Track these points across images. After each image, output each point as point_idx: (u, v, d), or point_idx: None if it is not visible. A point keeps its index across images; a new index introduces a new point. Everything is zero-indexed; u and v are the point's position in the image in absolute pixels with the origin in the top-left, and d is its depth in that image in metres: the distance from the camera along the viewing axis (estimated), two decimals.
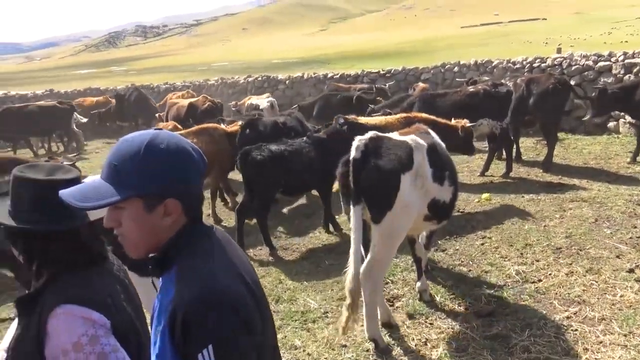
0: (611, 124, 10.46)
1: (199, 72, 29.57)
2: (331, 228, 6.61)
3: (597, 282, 4.66)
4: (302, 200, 8.00)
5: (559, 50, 13.40)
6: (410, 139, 4.11)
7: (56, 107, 13.75)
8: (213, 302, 1.21)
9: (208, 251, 1.33)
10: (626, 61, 10.35)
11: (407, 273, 5.20)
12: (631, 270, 4.78)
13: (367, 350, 4.00)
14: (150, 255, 1.37)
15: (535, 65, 12.01)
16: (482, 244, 5.75)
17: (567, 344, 3.81)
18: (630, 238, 5.47)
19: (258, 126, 7.48)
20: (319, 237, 6.53)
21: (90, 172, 8.53)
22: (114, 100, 16.00)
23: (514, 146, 9.00)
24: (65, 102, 14.59)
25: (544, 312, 4.27)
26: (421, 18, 74.01)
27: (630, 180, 7.42)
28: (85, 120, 14.68)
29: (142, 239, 1.32)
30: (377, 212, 3.86)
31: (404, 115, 6.74)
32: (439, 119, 6.47)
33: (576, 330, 3.98)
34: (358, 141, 3.92)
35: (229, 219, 7.56)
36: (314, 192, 7.12)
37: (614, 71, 10.51)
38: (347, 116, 6.56)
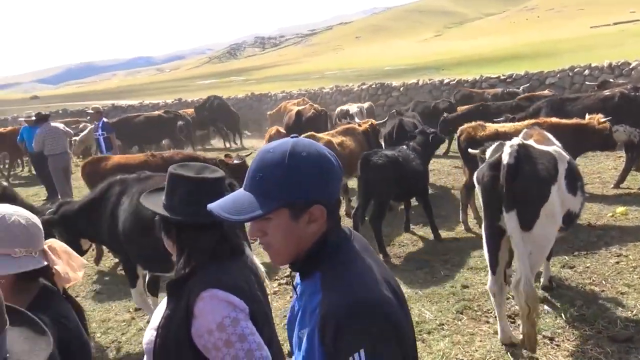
0: None
1: (313, 81, 30.42)
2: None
3: None
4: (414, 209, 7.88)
5: None
6: (552, 149, 4.12)
7: (161, 117, 14.81)
8: (365, 307, 1.21)
9: (351, 256, 1.33)
10: None
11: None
12: None
13: None
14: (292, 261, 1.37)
15: None
16: (617, 263, 5.23)
17: None
18: None
19: (404, 127, 8.15)
20: (435, 247, 6.38)
21: None
22: (189, 111, 16.99)
23: None
24: (172, 111, 15.67)
25: None
26: (544, 19, 69.73)
27: None
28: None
29: (287, 248, 1.33)
30: (528, 220, 3.79)
31: (532, 121, 6.42)
32: (570, 121, 6.19)
33: None
34: (509, 147, 3.85)
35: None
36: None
37: None
38: (471, 123, 6.44)
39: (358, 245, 1.39)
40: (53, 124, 10.15)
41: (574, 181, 4.15)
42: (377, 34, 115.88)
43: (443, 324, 4.50)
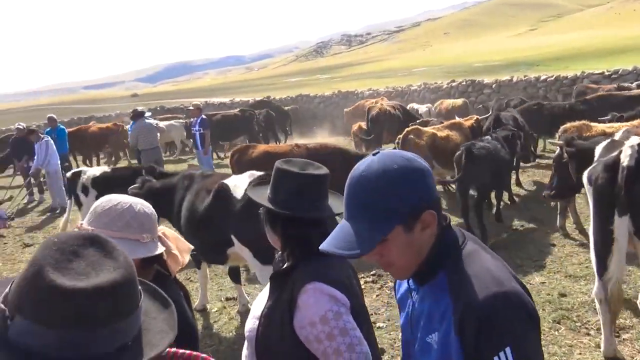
0: None
1: (399, 78, 30.04)
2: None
3: None
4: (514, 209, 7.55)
5: None
6: None
7: (237, 116, 15.25)
8: (506, 303, 1.19)
9: (471, 252, 1.31)
10: None
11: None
12: None
13: None
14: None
15: None
16: None
17: None
18: None
19: (502, 120, 8.34)
20: (528, 252, 6.07)
21: None
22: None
23: None
24: (247, 109, 16.04)
25: None
26: None
27: None
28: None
29: (409, 261, 1.31)
30: None
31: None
32: None
33: None
34: (629, 147, 3.60)
35: None
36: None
37: None
38: (574, 122, 6.11)
39: (472, 239, 1.36)
40: (147, 120, 10.82)
41: None
42: (467, 30, 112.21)
43: None
